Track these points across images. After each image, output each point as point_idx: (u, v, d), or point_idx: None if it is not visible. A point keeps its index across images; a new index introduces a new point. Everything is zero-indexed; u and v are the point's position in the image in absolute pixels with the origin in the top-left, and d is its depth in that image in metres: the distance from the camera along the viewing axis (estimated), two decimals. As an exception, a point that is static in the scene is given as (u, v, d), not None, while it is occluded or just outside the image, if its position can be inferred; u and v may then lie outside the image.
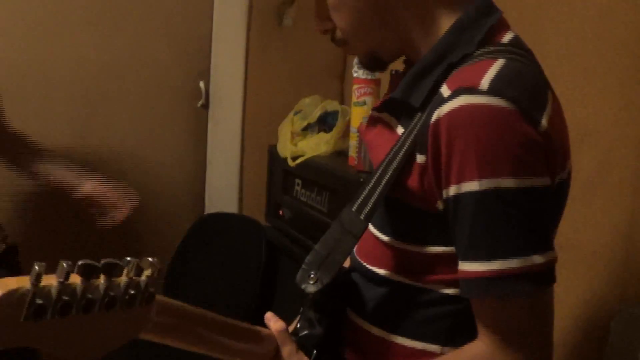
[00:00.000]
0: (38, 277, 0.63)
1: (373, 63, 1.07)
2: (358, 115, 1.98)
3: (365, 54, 1.06)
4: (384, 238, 1.00)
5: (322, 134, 2.22)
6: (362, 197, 0.98)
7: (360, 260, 1.06)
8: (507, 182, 0.82)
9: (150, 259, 0.74)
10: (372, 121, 1.08)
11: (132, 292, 0.73)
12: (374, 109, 1.08)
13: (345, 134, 2.15)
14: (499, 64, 0.86)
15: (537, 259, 0.83)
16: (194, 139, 2.69)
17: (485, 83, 0.84)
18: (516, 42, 0.95)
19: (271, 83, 2.69)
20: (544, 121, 0.86)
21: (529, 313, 0.86)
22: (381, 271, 1.01)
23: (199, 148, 2.69)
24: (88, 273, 0.67)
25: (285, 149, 2.26)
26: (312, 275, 0.97)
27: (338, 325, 1.05)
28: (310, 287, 0.96)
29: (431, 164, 0.88)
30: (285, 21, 2.61)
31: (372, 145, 1.08)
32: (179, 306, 0.87)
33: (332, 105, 2.31)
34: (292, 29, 2.63)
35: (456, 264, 0.89)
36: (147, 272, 0.74)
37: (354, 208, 0.98)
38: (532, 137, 0.84)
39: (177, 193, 2.69)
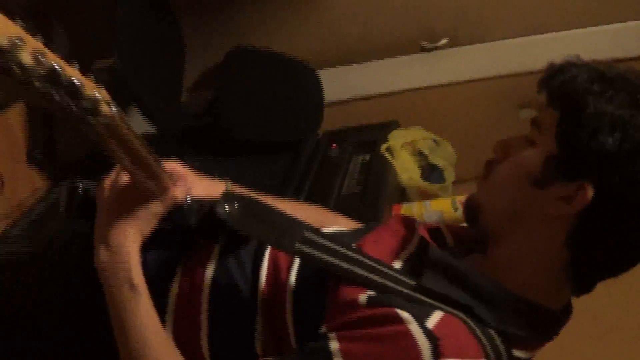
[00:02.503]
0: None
1: (471, 216, 1.02)
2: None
3: (478, 223, 1.00)
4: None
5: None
6: (322, 242, 0.97)
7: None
8: None
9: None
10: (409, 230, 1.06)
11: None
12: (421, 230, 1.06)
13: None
14: None
15: None
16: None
17: None
18: None
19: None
20: None
21: None
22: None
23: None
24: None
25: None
26: (234, 206, 0.97)
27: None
28: (221, 210, 0.96)
29: None
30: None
31: (383, 240, 1.04)
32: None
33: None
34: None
35: None
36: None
37: (309, 234, 0.97)
38: None
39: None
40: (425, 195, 2.44)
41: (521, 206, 0.93)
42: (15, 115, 2.15)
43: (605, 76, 0.89)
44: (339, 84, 2.72)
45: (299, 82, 2.64)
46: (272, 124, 2.59)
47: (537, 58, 2.59)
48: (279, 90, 2.60)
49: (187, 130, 2.58)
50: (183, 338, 1.00)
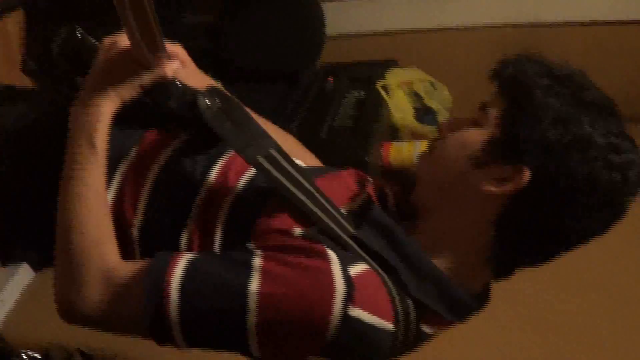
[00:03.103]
0: None
1: (407, 186, 1.04)
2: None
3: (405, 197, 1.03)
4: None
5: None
6: (292, 170, 0.97)
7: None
8: None
9: None
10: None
11: None
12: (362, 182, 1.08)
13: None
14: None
15: None
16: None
17: None
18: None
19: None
20: None
21: None
22: None
23: None
24: None
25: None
26: (215, 102, 0.98)
27: None
28: (202, 101, 0.97)
29: None
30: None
31: (335, 186, 1.05)
32: None
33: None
34: None
35: None
36: None
37: (275, 152, 0.98)
38: None
39: None
40: (417, 137, 2.46)
41: (456, 181, 0.95)
42: (13, 22, 2.14)
43: (554, 73, 0.92)
44: (343, 18, 2.70)
45: (302, 13, 2.62)
46: (272, 53, 2.57)
47: (541, 11, 2.61)
48: (282, 20, 2.58)
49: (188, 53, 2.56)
50: (120, 210, 1.02)
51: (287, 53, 2.59)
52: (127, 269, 0.92)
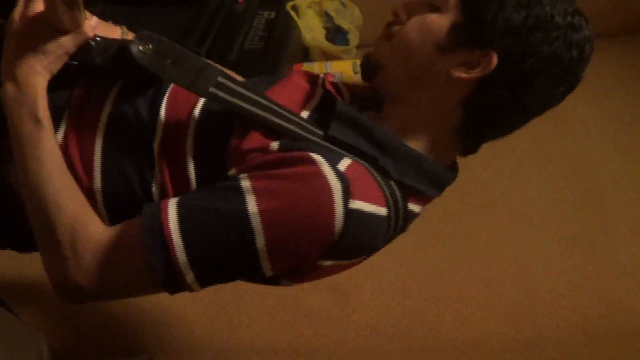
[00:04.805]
0: None
1: (369, 74, 1.03)
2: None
3: (375, 75, 1.02)
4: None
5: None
6: (237, 89, 0.96)
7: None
8: None
9: None
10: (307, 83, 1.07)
11: None
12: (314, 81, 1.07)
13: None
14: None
15: None
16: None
17: None
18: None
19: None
20: None
21: None
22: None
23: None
24: None
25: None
26: (148, 47, 0.96)
27: None
28: (135, 49, 0.95)
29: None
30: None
31: (288, 92, 1.05)
32: None
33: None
34: None
35: None
36: None
37: (223, 79, 0.97)
38: None
39: None
40: (328, 57, 2.47)
41: (424, 68, 0.96)
42: None
43: None
44: None
45: None
46: (178, -26, 2.50)
47: None
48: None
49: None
50: (76, 179, 0.99)
51: (195, -26, 2.52)
52: (117, 232, 0.90)
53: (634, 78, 2.80)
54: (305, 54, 2.49)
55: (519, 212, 2.24)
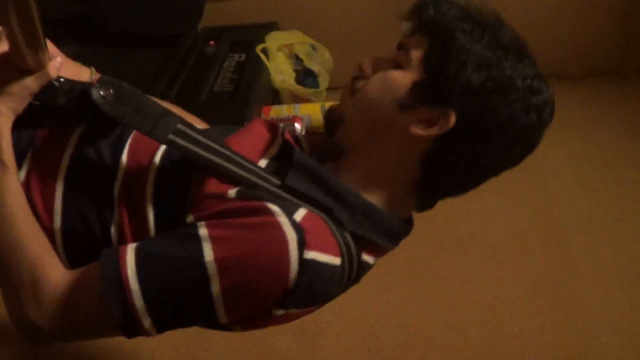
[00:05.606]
0: None
1: (331, 127, 1.04)
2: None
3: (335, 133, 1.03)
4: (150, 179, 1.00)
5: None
6: (198, 138, 0.97)
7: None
8: None
9: None
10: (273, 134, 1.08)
11: None
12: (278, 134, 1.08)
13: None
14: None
15: None
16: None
17: None
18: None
19: None
20: None
21: None
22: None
23: None
24: None
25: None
26: (109, 92, 0.97)
27: None
28: (96, 94, 0.96)
29: None
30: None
31: (248, 140, 1.06)
32: None
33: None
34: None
35: None
36: None
37: (182, 127, 0.98)
38: None
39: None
40: (298, 99, 2.49)
41: (383, 124, 0.97)
42: None
43: (472, 16, 0.95)
44: (223, -20, 2.68)
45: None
46: (151, 16, 2.52)
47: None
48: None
49: (65, 16, 2.49)
50: (37, 218, 0.99)
51: (167, 17, 2.55)
52: (77, 276, 0.90)
53: (603, 120, 2.83)
54: (275, 96, 2.51)
55: (486, 254, 2.24)
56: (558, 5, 2.75)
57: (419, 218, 1.08)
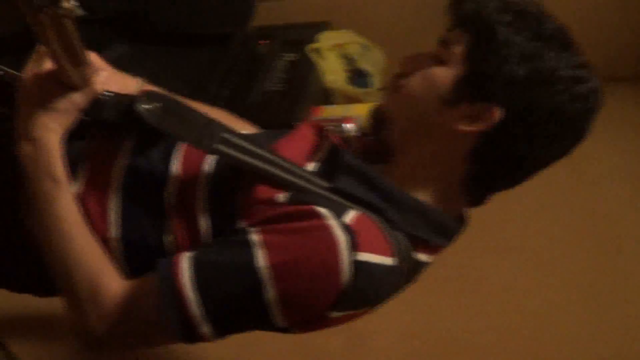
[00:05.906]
0: None
1: (377, 126, 1.04)
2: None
3: (379, 127, 1.03)
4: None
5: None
6: (242, 144, 0.98)
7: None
8: None
9: None
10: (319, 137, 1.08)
11: None
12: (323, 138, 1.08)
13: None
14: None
15: None
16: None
17: None
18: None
19: None
20: None
21: None
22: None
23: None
24: None
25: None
26: (154, 104, 0.98)
27: None
28: (142, 108, 0.97)
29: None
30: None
31: (295, 144, 1.06)
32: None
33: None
34: None
35: None
36: None
37: (226, 135, 0.99)
38: None
39: None
40: (349, 99, 2.46)
41: (429, 121, 0.96)
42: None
43: (513, 7, 0.93)
44: (275, -21, 2.67)
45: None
46: (201, 15, 2.52)
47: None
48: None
49: (116, 14, 2.50)
50: (93, 227, 1.00)
51: (218, 16, 2.55)
52: (134, 287, 0.93)
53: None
54: (326, 96, 2.48)
55: (534, 259, 2.19)
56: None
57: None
